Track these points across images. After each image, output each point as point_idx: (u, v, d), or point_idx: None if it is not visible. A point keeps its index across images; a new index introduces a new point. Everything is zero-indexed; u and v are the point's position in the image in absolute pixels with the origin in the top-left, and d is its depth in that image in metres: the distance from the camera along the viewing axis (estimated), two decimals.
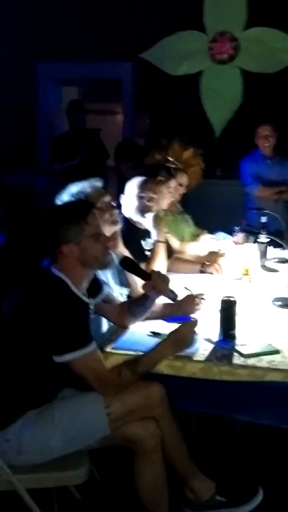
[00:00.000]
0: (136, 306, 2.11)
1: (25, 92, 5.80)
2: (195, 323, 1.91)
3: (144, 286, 2.03)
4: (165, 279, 2.01)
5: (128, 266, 2.12)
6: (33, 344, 1.73)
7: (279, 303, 2.42)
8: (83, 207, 1.84)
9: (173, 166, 3.35)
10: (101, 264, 1.86)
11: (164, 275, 2.04)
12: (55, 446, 1.72)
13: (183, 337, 1.85)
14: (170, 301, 2.12)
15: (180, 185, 3.40)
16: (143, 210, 2.76)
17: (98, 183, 2.29)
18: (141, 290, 2.13)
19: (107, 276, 2.42)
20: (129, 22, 5.41)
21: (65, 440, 1.73)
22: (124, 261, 2.11)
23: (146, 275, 2.04)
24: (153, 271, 2.07)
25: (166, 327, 2.11)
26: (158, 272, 2.04)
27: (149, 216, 2.74)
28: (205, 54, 5.32)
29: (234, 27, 5.22)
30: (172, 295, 2.06)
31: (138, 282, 2.37)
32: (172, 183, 3.15)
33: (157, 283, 1.99)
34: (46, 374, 1.77)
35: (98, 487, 2.21)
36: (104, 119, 7.85)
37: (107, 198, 2.30)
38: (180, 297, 2.30)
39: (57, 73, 5.81)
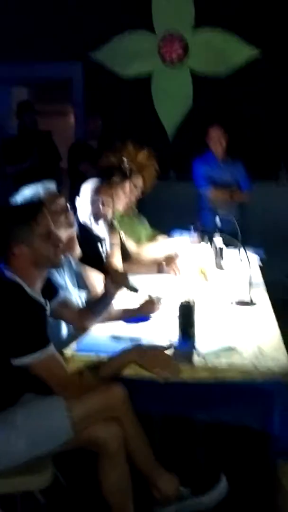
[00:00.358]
0: (97, 305, 2.11)
1: None
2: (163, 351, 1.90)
3: (104, 282, 2.04)
4: (122, 273, 2.04)
5: (89, 262, 2.14)
6: None
7: (235, 302, 2.48)
8: (32, 207, 1.84)
9: (127, 168, 3.36)
10: (53, 263, 1.85)
11: (122, 269, 2.06)
12: (18, 450, 1.70)
13: (149, 352, 1.86)
14: (130, 307, 2.13)
15: (135, 186, 3.41)
16: (97, 215, 2.76)
17: (51, 185, 2.28)
18: (99, 291, 2.14)
19: (65, 280, 2.41)
20: (78, 21, 5.37)
21: (29, 445, 1.71)
22: (85, 258, 2.15)
23: (105, 271, 2.07)
24: (110, 265, 2.08)
25: (127, 329, 2.12)
26: (115, 266, 2.05)
27: (101, 222, 2.74)
28: (155, 54, 5.35)
29: (183, 27, 5.26)
30: (133, 287, 2.07)
31: (97, 283, 2.38)
32: (127, 185, 3.17)
33: (116, 277, 2.02)
34: (6, 378, 1.75)
35: (63, 490, 2.19)
36: (54, 120, 7.74)
37: (61, 201, 2.28)
38: (138, 299, 2.33)
39: (5, 72, 5.69)
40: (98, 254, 2.81)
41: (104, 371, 1.78)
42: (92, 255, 2.66)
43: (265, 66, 5.15)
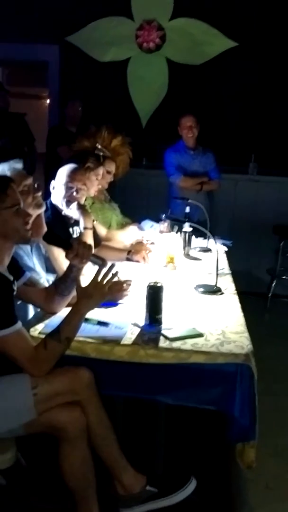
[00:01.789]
0: (62, 282, 2.08)
1: None
2: (100, 274, 1.90)
3: (67, 255, 2.01)
4: (85, 245, 2.00)
5: (51, 239, 2.10)
6: None
7: (202, 289, 2.53)
8: (0, 181, 1.82)
9: (101, 153, 3.36)
10: (22, 237, 1.83)
11: (85, 242, 2.02)
12: None
13: (92, 289, 1.87)
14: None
15: (108, 172, 3.41)
16: (69, 200, 2.75)
17: (18, 165, 2.25)
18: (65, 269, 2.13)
19: (33, 262, 2.41)
20: (57, 3, 5.29)
21: None
22: (46, 235, 2.09)
23: (69, 246, 2.02)
24: (74, 239, 2.05)
25: (94, 312, 2.14)
26: (79, 239, 2.03)
27: (74, 205, 2.74)
28: (132, 41, 5.33)
29: (161, 16, 5.26)
30: (97, 260, 2.05)
31: (65, 265, 2.37)
32: (101, 171, 3.17)
33: (78, 249, 1.98)
34: None
35: (24, 472, 2.21)
36: (29, 104, 7.65)
37: (29, 181, 2.25)
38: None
39: None
40: (68, 237, 2.82)
41: (65, 331, 1.78)
42: (62, 237, 2.65)
43: (240, 57, 5.19)
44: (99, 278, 1.88)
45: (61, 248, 2.08)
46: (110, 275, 1.90)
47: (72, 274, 2.05)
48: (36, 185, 2.31)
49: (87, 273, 2.63)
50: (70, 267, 2.06)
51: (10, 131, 4.87)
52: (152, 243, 3.18)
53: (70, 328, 1.80)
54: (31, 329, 1.99)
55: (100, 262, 2.05)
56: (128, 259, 3.02)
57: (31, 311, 2.31)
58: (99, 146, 3.43)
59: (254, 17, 5.16)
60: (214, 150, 4.51)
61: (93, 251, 2.79)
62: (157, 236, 3.41)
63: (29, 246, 2.37)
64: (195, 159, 4.42)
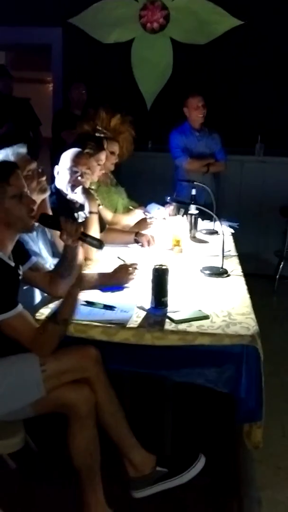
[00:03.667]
0: (61, 264, 2.09)
1: None
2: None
3: (60, 237, 2.01)
4: (72, 222, 1.98)
5: (47, 222, 2.09)
6: None
7: (208, 272, 2.52)
8: (4, 168, 1.82)
9: (102, 135, 3.33)
10: (25, 225, 1.83)
11: (70, 221, 1.99)
12: None
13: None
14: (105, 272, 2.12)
15: (112, 153, 3.39)
16: (74, 184, 2.74)
17: (22, 150, 2.24)
18: None
19: (39, 247, 2.41)
20: None
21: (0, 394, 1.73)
22: (41, 218, 2.06)
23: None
24: (61, 218, 2.00)
25: (101, 297, 2.15)
26: (64, 218, 1.98)
27: (79, 190, 2.73)
28: (136, 22, 5.26)
29: None
30: (93, 241, 2.06)
31: None
32: (102, 155, 3.14)
33: (66, 227, 1.96)
34: None
35: (33, 455, 2.24)
36: (33, 88, 7.60)
37: (33, 166, 2.24)
38: (113, 267, 2.35)
39: None
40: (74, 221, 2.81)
41: (61, 313, 1.79)
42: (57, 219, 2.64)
43: (245, 36, 5.11)
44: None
45: (57, 230, 2.07)
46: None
47: (67, 254, 2.05)
48: (40, 170, 2.30)
49: (101, 259, 2.64)
50: (64, 248, 2.06)
51: (14, 116, 4.85)
52: (155, 218, 3.17)
53: (66, 310, 1.81)
54: (37, 314, 2.00)
55: (97, 243, 2.05)
56: (136, 241, 3.01)
57: (38, 295, 2.31)
58: (99, 128, 3.40)
59: None
60: (219, 131, 4.45)
61: (99, 235, 2.81)
62: (163, 218, 3.39)
63: (34, 231, 2.37)
64: (200, 140, 4.37)
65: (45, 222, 2.09)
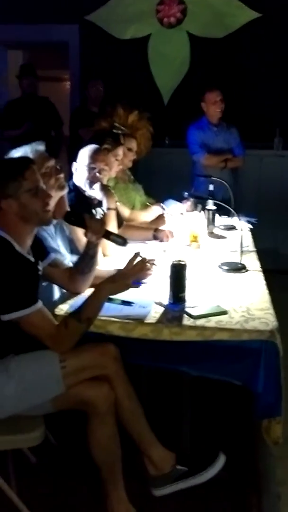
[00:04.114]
0: (82, 260, 2.11)
1: None
2: (132, 265, 1.93)
3: (85, 234, 2.06)
4: (97, 219, 2.02)
5: (71, 219, 2.12)
6: None
7: (226, 267, 2.51)
8: (20, 163, 1.84)
9: (119, 131, 3.33)
10: (41, 219, 1.85)
11: (96, 218, 2.03)
12: (8, 393, 1.74)
13: (119, 276, 1.89)
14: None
15: (130, 150, 3.39)
16: (92, 181, 2.76)
17: (40, 147, 2.26)
18: None
19: (58, 244, 2.43)
20: None
21: (19, 391, 1.74)
22: (66, 216, 2.11)
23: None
24: (85, 215, 2.06)
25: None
26: (90, 216, 2.02)
27: (97, 186, 2.74)
28: (152, 17, 5.25)
29: None
30: (118, 239, 2.08)
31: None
32: (120, 151, 3.15)
33: (91, 224, 2.02)
34: None
35: (53, 450, 2.26)
36: (50, 86, 7.63)
37: (51, 162, 2.26)
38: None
39: (1, 35, 5.59)
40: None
41: (85, 312, 1.80)
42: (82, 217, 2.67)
43: (263, 28, 5.06)
44: (128, 268, 1.90)
45: (81, 227, 2.10)
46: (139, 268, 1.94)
47: (90, 251, 2.08)
48: (58, 167, 2.31)
49: (113, 255, 2.66)
50: (87, 245, 2.09)
51: (36, 116, 4.89)
52: (171, 214, 3.17)
53: (91, 309, 1.82)
54: (56, 309, 2.01)
55: (121, 241, 2.07)
56: (155, 237, 3.02)
57: (57, 292, 2.33)
58: (117, 125, 3.41)
59: None
60: (237, 125, 4.42)
61: (117, 231, 2.82)
62: (181, 214, 3.38)
63: (53, 228, 2.39)
64: (218, 135, 4.34)
65: (70, 219, 2.12)
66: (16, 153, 2.20)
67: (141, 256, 2.47)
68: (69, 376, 1.78)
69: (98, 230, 2.04)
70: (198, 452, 2.14)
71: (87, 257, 2.09)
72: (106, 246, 2.61)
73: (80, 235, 2.46)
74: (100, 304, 1.84)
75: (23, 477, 2.11)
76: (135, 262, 1.93)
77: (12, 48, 6.27)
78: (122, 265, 2.36)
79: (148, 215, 3.37)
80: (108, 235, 2.10)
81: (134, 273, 1.92)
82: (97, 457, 1.85)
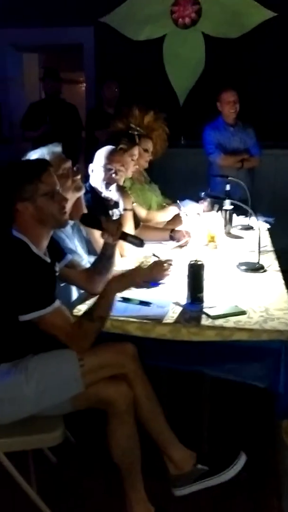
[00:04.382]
0: (99, 261, 2.13)
1: None
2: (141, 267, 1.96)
3: (101, 236, 2.09)
4: (113, 221, 2.05)
5: (87, 221, 2.14)
6: None
7: (244, 267, 2.50)
8: (36, 166, 1.84)
9: (135, 132, 3.34)
10: (58, 221, 1.86)
11: (112, 219, 2.04)
12: (28, 393, 1.75)
13: (127, 273, 1.91)
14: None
15: (146, 151, 3.39)
16: (109, 182, 2.76)
17: (57, 149, 2.27)
18: None
19: (75, 245, 2.44)
20: None
21: (38, 391, 1.75)
22: (82, 218, 2.13)
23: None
24: (102, 217, 2.08)
25: (136, 293, 2.16)
26: (107, 218, 2.04)
27: (113, 187, 2.75)
28: (167, 17, 5.25)
29: None
30: (135, 240, 2.10)
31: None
32: (135, 151, 3.16)
33: (108, 226, 2.04)
34: (16, 331, 1.79)
35: (73, 449, 2.27)
36: (65, 88, 7.66)
37: (68, 164, 2.27)
38: (148, 263, 2.36)
39: (16, 39, 5.64)
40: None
41: (96, 310, 1.81)
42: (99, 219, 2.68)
43: (279, 28, 5.02)
44: (140, 266, 1.91)
45: (98, 229, 2.12)
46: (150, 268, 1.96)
47: (107, 252, 2.10)
48: (75, 168, 2.33)
49: (129, 255, 2.66)
50: (104, 246, 2.11)
51: (56, 118, 4.94)
52: (187, 215, 3.16)
53: (102, 307, 1.83)
54: (75, 310, 2.02)
55: (138, 242, 2.07)
56: (171, 238, 3.01)
57: (75, 292, 2.34)
58: (133, 125, 3.41)
59: None
60: (254, 124, 4.39)
61: (134, 232, 2.83)
62: (197, 215, 3.38)
63: (70, 229, 2.40)
64: (235, 135, 4.32)
65: (86, 222, 2.13)
66: (34, 154, 2.22)
67: (158, 257, 2.48)
68: (87, 374, 1.78)
69: (115, 232, 2.06)
70: (219, 451, 2.13)
71: (104, 258, 2.12)
72: (123, 247, 2.62)
73: (97, 236, 2.47)
74: (109, 302, 1.85)
75: (44, 477, 2.13)
76: (151, 263, 1.94)
77: (28, 51, 6.32)
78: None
79: (165, 215, 3.37)
80: (125, 237, 2.11)
81: (141, 274, 1.93)
82: (117, 456, 1.85)
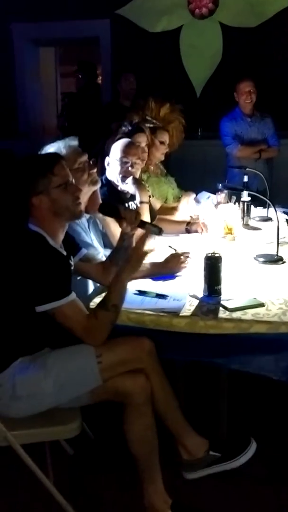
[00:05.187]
0: (116, 252, 2.13)
1: (1, 53, 5.64)
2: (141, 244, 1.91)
3: (120, 225, 2.08)
4: (131, 210, 2.03)
5: (106, 210, 2.14)
6: (16, 296, 1.77)
7: (262, 259, 2.47)
8: (49, 159, 1.85)
9: (151, 124, 3.31)
10: (73, 213, 1.86)
11: (130, 209, 2.03)
12: (47, 389, 1.76)
13: (133, 256, 1.88)
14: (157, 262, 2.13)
15: (162, 143, 3.37)
16: (125, 175, 2.75)
17: (74, 142, 2.26)
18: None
19: (91, 238, 2.44)
20: None
21: (57, 386, 1.76)
22: (101, 207, 2.13)
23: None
24: (119, 206, 2.08)
25: (153, 286, 2.14)
26: (124, 206, 2.03)
27: (130, 180, 2.74)
28: (184, 8, 5.20)
29: None
30: (154, 229, 2.08)
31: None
32: (139, 138, 3.10)
33: (126, 215, 2.04)
34: (33, 323, 1.80)
35: (90, 442, 2.28)
36: None
37: (84, 158, 2.26)
38: (165, 256, 2.34)
39: (33, 33, 5.66)
40: None
41: (110, 299, 1.80)
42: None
43: None
44: (136, 242, 1.91)
45: (116, 218, 2.11)
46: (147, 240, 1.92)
47: (124, 242, 2.09)
48: (91, 162, 2.32)
49: (156, 248, 2.64)
50: (121, 236, 2.11)
51: (79, 112, 4.96)
52: (204, 213, 3.12)
53: (114, 295, 1.81)
54: (91, 303, 2.02)
55: (157, 229, 2.07)
56: (187, 231, 2.99)
57: (91, 285, 2.34)
58: (148, 118, 3.38)
59: None
60: (272, 115, 4.33)
61: None
62: (214, 207, 3.34)
63: (86, 223, 2.40)
64: (252, 126, 4.27)
65: (104, 210, 2.13)
66: (50, 148, 2.21)
67: (174, 249, 2.46)
68: (105, 370, 1.79)
69: (133, 220, 2.05)
70: (232, 439, 2.13)
71: (121, 249, 2.11)
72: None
73: (113, 229, 2.47)
74: (122, 290, 1.83)
75: (61, 468, 2.13)
76: (168, 256, 1.92)
77: (44, 45, 6.33)
78: (155, 259, 2.37)
79: (182, 207, 3.33)
80: (143, 225, 2.10)
81: (142, 246, 1.89)
82: (134, 448, 1.85)
